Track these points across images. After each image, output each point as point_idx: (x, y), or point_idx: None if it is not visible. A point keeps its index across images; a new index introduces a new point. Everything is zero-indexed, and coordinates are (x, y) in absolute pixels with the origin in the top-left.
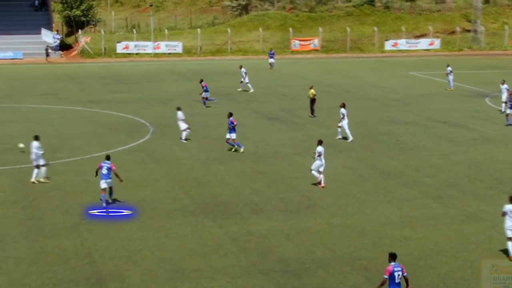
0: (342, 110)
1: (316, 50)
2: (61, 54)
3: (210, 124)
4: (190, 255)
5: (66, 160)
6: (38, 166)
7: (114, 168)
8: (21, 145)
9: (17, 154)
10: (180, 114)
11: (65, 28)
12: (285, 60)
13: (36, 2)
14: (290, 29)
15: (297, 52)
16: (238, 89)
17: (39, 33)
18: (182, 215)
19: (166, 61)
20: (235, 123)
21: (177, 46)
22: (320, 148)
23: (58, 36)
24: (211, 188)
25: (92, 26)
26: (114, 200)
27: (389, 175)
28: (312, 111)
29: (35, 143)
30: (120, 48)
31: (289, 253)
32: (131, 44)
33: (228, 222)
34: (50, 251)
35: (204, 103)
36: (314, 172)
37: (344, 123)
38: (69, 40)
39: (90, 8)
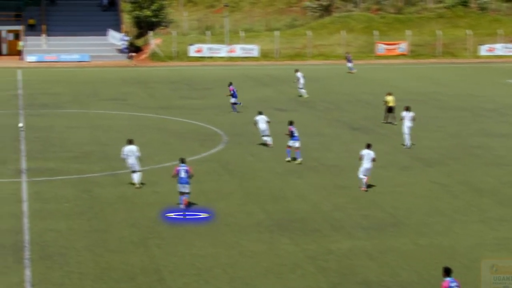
0: (404, 113)
1: (403, 55)
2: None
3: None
4: (265, 274)
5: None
6: (134, 171)
7: (191, 171)
8: (21, 124)
9: (83, 162)
10: (261, 118)
11: (134, 29)
12: (369, 66)
13: (105, 2)
14: (376, 32)
15: (383, 57)
16: (304, 96)
17: (114, 33)
18: (256, 231)
19: (241, 65)
20: (292, 130)
21: (253, 50)
22: (365, 151)
23: (127, 38)
24: (288, 203)
25: (163, 27)
26: (190, 203)
27: (483, 192)
28: (387, 117)
29: (133, 147)
30: (192, 51)
31: (372, 274)
32: (204, 47)
33: (306, 240)
34: (116, 266)
35: (233, 108)
36: (361, 176)
37: (405, 126)
38: (139, 42)
39: (161, 8)
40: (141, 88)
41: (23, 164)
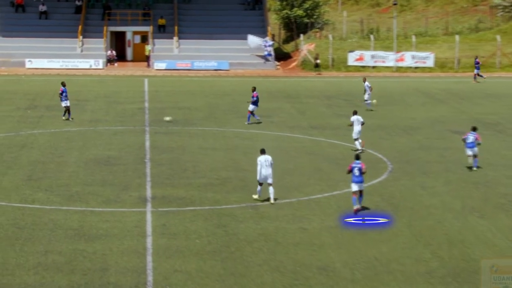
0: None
1: None
2: (277, 65)
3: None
4: None
5: (279, 202)
6: (261, 184)
7: (364, 167)
8: (168, 118)
9: (218, 191)
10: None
11: (282, 32)
12: None
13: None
14: None
15: None
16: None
17: (254, 37)
18: (427, 282)
19: (412, 77)
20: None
21: (428, 58)
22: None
23: (270, 43)
24: (468, 249)
25: (318, 30)
26: (363, 208)
27: None
28: None
29: (269, 157)
30: (352, 59)
31: None
32: (367, 54)
33: None
34: None
35: (251, 118)
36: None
37: None
38: (287, 48)
39: (315, 6)
40: (289, 103)
41: (148, 191)
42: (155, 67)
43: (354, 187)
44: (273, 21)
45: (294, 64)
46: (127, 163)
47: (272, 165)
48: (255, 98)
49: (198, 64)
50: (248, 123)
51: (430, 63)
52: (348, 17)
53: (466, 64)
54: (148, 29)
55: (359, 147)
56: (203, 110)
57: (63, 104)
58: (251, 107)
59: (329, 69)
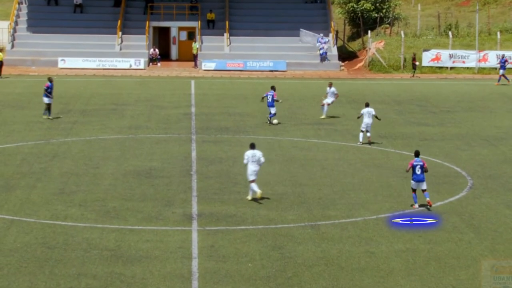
0: None
1: None
2: (341, 66)
3: None
4: None
5: (342, 221)
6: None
7: (426, 165)
8: (275, 121)
9: (273, 208)
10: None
11: (347, 28)
12: None
13: None
14: None
15: None
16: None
17: (308, 34)
18: None
19: (495, 79)
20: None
21: None
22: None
23: (325, 40)
24: None
25: (388, 25)
26: (426, 207)
27: None
28: None
29: (258, 153)
30: (427, 58)
31: None
32: (444, 53)
33: None
34: None
35: (270, 118)
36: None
37: None
38: (353, 46)
39: None
40: (355, 109)
41: (194, 208)
42: (203, 68)
43: (414, 186)
44: (337, 15)
45: (360, 64)
46: (170, 175)
47: (260, 162)
48: (270, 99)
49: (252, 64)
50: (269, 123)
51: None
52: (422, 11)
53: None
54: (196, 24)
55: (360, 139)
56: (257, 116)
57: (46, 100)
58: (270, 107)
59: (400, 71)
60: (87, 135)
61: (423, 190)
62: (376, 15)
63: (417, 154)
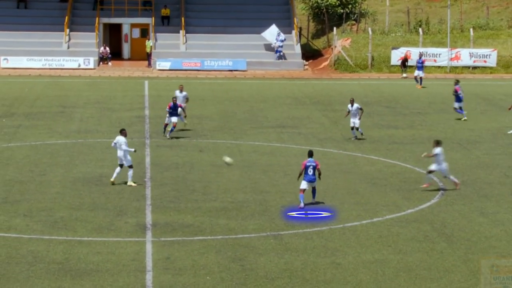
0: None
1: None
2: (305, 65)
3: None
4: None
5: (306, 230)
6: (122, 165)
7: (319, 167)
8: (228, 159)
9: (233, 217)
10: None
11: (311, 24)
12: None
13: None
14: None
15: None
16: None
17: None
18: None
19: (469, 79)
20: None
21: (489, 57)
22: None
23: (282, 37)
24: None
25: (354, 22)
26: (317, 202)
27: None
28: None
29: (122, 139)
30: (396, 57)
31: None
32: (414, 51)
33: None
34: None
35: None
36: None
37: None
38: (318, 44)
39: None
40: (320, 110)
41: (149, 217)
42: (158, 67)
43: (303, 185)
44: (300, 11)
45: (325, 63)
46: (122, 183)
47: (126, 145)
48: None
49: (210, 63)
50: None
51: (491, 62)
52: (391, 7)
53: None
54: (149, 21)
55: (354, 133)
56: (215, 119)
57: None
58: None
59: (367, 70)
60: (32, 139)
61: (312, 189)
62: (342, 10)
63: (310, 154)
